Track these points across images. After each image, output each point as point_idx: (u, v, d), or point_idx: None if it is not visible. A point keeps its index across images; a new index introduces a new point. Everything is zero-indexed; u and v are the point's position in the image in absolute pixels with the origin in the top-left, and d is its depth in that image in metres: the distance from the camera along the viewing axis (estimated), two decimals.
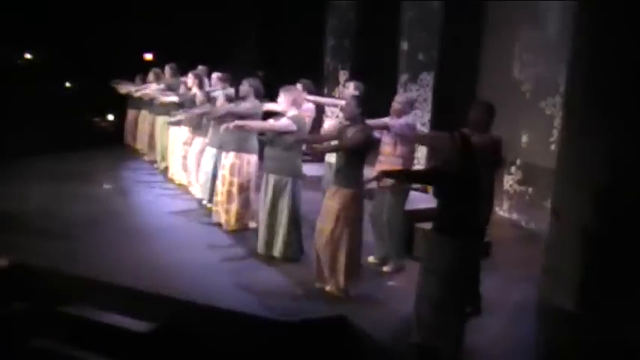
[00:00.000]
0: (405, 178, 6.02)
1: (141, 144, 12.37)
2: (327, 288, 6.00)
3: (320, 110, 9.28)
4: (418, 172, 5.81)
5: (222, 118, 7.79)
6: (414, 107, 6.85)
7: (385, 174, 5.57)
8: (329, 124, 8.31)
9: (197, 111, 8.72)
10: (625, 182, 5.43)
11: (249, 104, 7.63)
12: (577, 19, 6.06)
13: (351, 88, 7.91)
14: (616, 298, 5.45)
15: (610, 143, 5.55)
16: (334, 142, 6.34)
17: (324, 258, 5.96)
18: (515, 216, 8.93)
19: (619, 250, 5.47)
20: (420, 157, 9.61)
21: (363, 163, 5.95)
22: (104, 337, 5.65)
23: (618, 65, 5.49)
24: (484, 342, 5.13)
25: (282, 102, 6.78)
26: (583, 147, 5.83)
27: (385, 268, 6.70)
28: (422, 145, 7.17)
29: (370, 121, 6.94)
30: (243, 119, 7.32)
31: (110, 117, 15.15)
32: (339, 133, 6.16)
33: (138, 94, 11.44)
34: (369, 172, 5.97)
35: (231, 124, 7.01)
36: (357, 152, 5.87)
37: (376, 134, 7.14)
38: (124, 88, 12.02)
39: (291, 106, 6.73)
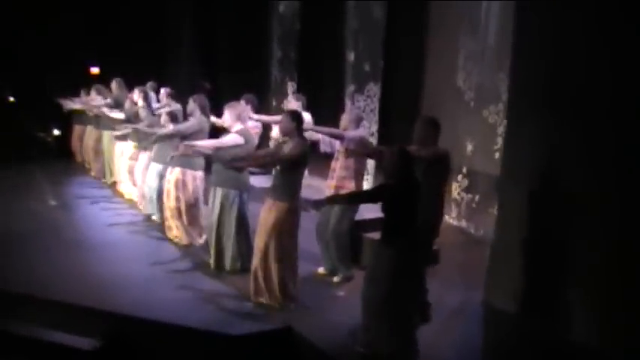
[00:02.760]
0: (351, 200, 6.09)
1: (87, 159, 12.19)
2: (264, 301, 5.98)
3: (266, 127, 9.27)
4: (364, 192, 5.88)
5: (168, 137, 7.82)
6: (361, 123, 6.88)
7: (331, 200, 5.72)
8: (277, 132, 8.30)
9: (143, 129, 8.60)
10: (563, 185, 5.54)
11: (194, 121, 7.60)
12: (515, 27, 6.20)
13: (292, 103, 7.93)
14: (558, 299, 5.56)
15: (545, 148, 5.68)
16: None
17: (258, 271, 5.96)
18: (463, 223, 9.03)
19: (559, 252, 5.58)
20: (370, 170, 9.63)
21: (299, 177, 5.96)
22: (47, 356, 5.53)
23: (557, 72, 5.61)
24: (425, 345, 5.12)
25: (227, 119, 6.76)
26: (523, 153, 5.95)
27: (335, 279, 6.71)
28: (370, 157, 7.22)
29: (325, 129, 6.99)
30: (187, 138, 7.33)
31: (55, 132, 14.87)
32: (276, 150, 6.18)
33: (84, 107, 11.27)
34: (320, 183, 5.95)
35: (181, 148, 7.02)
36: (293, 166, 5.87)
37: (327, 149, 7.19)
38: (69, 105, 11.86)
39: (236, 122, 6.72)
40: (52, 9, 14.24)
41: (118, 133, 9.43)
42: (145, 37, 14.39)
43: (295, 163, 5.88)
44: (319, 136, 7.27)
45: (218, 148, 6.78)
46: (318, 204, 5.40)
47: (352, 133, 6.56)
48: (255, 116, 8.30)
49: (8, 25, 14.01)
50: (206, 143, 7.05)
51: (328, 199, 5.67)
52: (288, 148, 5.90)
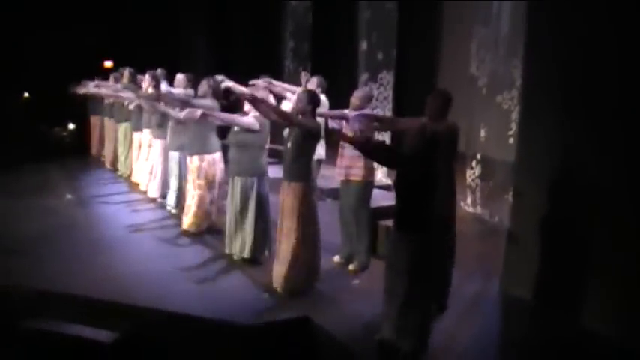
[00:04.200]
0: (372, 149, 5.85)
1: (105, 151, 12.24)
2: (283, 288, 6.00)
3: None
4: (385, 148, 5.65)
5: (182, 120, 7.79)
6: (372, 102, 6.88)
7: (352, 140, 5.44)
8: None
9: (161, 108, 8.42)
10: (580, 173, 5.51)
11: (208, 101, 7.58)
12: (528, 15, 6.17)
13: (313, 84, 7.92)
14: (575, 288, 5.54)
15: (564, 134, 5.66)
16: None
17: (285, 256, 5.97)
18: (478, 210, 9.01)
19: (576, 239, 5.56)
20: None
21: (310, 157, 5.96)
22: (67, 349, 5.58)
23: (569, 58, 5.59)
24: (443, 335, 5.16)
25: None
26: (538, 139, 5.94)
27: (350, 267, 6.72)
28: (385, 129, 7.21)
29: (328, 111, 6.99)
30: (199, 122, 7.33)
31: (71, 126, 14.96)
32: (297, 120, 6.06)
33: (96, 92, 11.29)
34: (330, 172, 5.89)
35: (199, 112, 6.94)
36: (306, 140, 5.86)
37: (335, 125, 7.17)
38: (83, 88, 11.85)
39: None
40: (65, 3, 14.32)
41: (137, 101, 9.37)
42: (158, 29, 14.44)
43: (308, 137, 5.86)
44: (328, 113, 7.26)
45: (232, 123, 6.76)
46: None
47: (356, 112, 6.54)
48: (266, 84, 8.20)
49: (21, 20, 14.10)
50: (222, 115, 7.00)
51: (348, 137, 5.56)
52: (303, 119, 5.92)
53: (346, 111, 6.76)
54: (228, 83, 7.33)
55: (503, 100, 8.33)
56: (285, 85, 8.80)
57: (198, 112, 6.98)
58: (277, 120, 6.23)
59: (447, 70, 9.85)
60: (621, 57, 5.16)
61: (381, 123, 6.79)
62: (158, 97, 8.47)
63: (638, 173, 5.08)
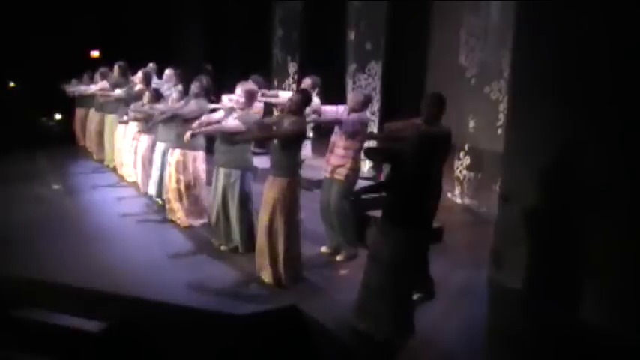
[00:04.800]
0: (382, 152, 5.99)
1: (90, 143, 12.19)
2: (267, 278, 6.04)
3: (268, 109, 9.24)
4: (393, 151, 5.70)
5: (169, 120, 7.85)
6: (368, 106, 6.91)
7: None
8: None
9: (146, 110, 8.60)
10: (568, 163, 5.53)
11: (194, 106, 7.65)
12: (518, 4, 6.17)
13: (307, 84, 7.90)
14: (562, 278, 5.57)
15: (552, 124, 5.67)
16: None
17: (263, 248, 6.03)
18: (466, 201, 9.03)
19: (564, 228, 5.59)
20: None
21: (297, 152, 6.07)
22: (56, 339, 5.57)
23: (559, 48, 5.60)
24: (431, 324, 5.18)
25: (240, 95, 6.74)
26: (527, 129, 5.95)
27: (338, 257, 6.74)
28: (373, 140, 7.29)
29: (322, 119, 6.99)
30: (188, 121, 7.39)
31: (58, 116, 14.87)
32: (277, 121, 6.25)
33: (84, 93, 11.31)
34: (320, 163, 5.87)
35: (188, 136, 6.98)
36: (291, 143, 5.96)
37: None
38: (71, 89, 11.88)
39: (249, 100, 6.71)
40: None
41: (126, 118, 9.41)
42: (147, 19, 14.35)
43: (293, 140, 5.95)
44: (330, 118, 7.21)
45: (219, 132, 6.80)
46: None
47: (350, 119, 6.56)
48: (263, 98, 8.25)
49: (8, 10, 13.98)
50: (210, 129, 7.05)
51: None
52: (287, 122, 5.95)
53: (341, 109, 6.74)
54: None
55: (491, 91, 8.34)
56: (275, 93, 8.80)
57: (188, 133, 7.00)
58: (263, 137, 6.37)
59: (436, 60, 9.83)
60: (613, 45, 5.16)
61: (376, 139, 6.79)
62: (148, 116, 8.56)
63: (630, 161, 5.10)
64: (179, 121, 7.66)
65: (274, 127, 6.17)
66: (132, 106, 9.11)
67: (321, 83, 8.07)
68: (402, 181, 4.80)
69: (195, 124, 7.13)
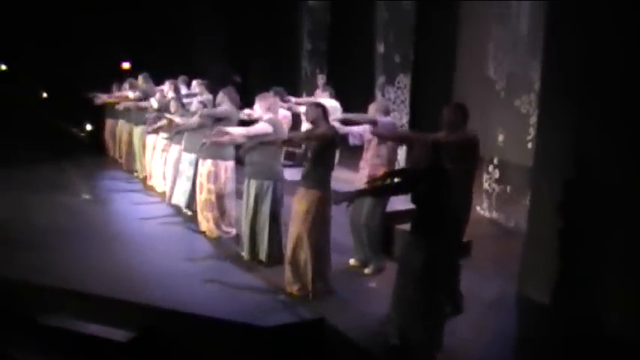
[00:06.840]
0: (381, 194, 6.07)
1: (119, 153, 12.32)
2: (295, 291, 6.01)
3: (296, 118, 9.28)
4: (393, 185, 5.77)
5: (199, 126, 7.90)
6: (389, 114, 6.90)
7: (361, 193, 5.62)
8: (306, 126, 8.32)
9: (174, 118, 8.66)
10: (597, 175, 5.47)
11: (224, 107, 7.69)
12: (548, 16, 6.13)
13: (319, 94, 7.96)
14: (594, 290, 5.49)
15: (580, 138, 5.61)
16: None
17: (292, 261, 6.00)
18: (494, 214, 8.95)
19: (594, 242, 5.51)
20: (401, 160, 9.58)
21: (329, 165, 6.00)
22: (84, 348, 5.62)
23: (586, 61, 5.54)
24: (460, 338, 5.13)
25: (258, 109, 6.81)
26: (555, 143, 5.89)
27: (366, 271, 6.71)
28: (402, 142, 7.26)
29: (358, 115, 6.99)
30: (219, 121, 7.44)
31: (88, 127, 15.05)
32: (307, 134, 6.21)
33: (114, 100, 11.44)
34: (350, 175, 5.87)
35: (214, 135, 7.02)
36: (323, 150, 5.89)
37: (355, 140, 7.16)
38: (101, 100, 12.03)
39: (267, 112, 6.76)
40: (83, 4, 14.41)
41: (150, 128, 9.50)
42: (175, 31, 14.49)
43: (324, 147, 5.89)
44: (347, 129, 7.23)
45: (249, 137, 6.80)
46: (348, 197, 5.36)
47: (385, 119, 6.59)
48: (285, 104, 8.30)
49: (39, 21, 14.20)
50: (236, 134, 7.07)
51: (359, 192, 5.64)
52: (317, 131, 5.95)
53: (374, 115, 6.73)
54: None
55: (521, 104, 8.27)
56: (300, 100, 8.85)
57: (213, 139, 7.07)
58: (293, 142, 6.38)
59: (465, 72, 9.78)
60: None
61: (403, 137, 6.80)
62: (172, 124, 8.70)
63: None
64: (208, 129, 7.68)
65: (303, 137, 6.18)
66: (147, 115, 9.21)
67: (349, 96, 8.09)
68: (423, 193, 4.78)
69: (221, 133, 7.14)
